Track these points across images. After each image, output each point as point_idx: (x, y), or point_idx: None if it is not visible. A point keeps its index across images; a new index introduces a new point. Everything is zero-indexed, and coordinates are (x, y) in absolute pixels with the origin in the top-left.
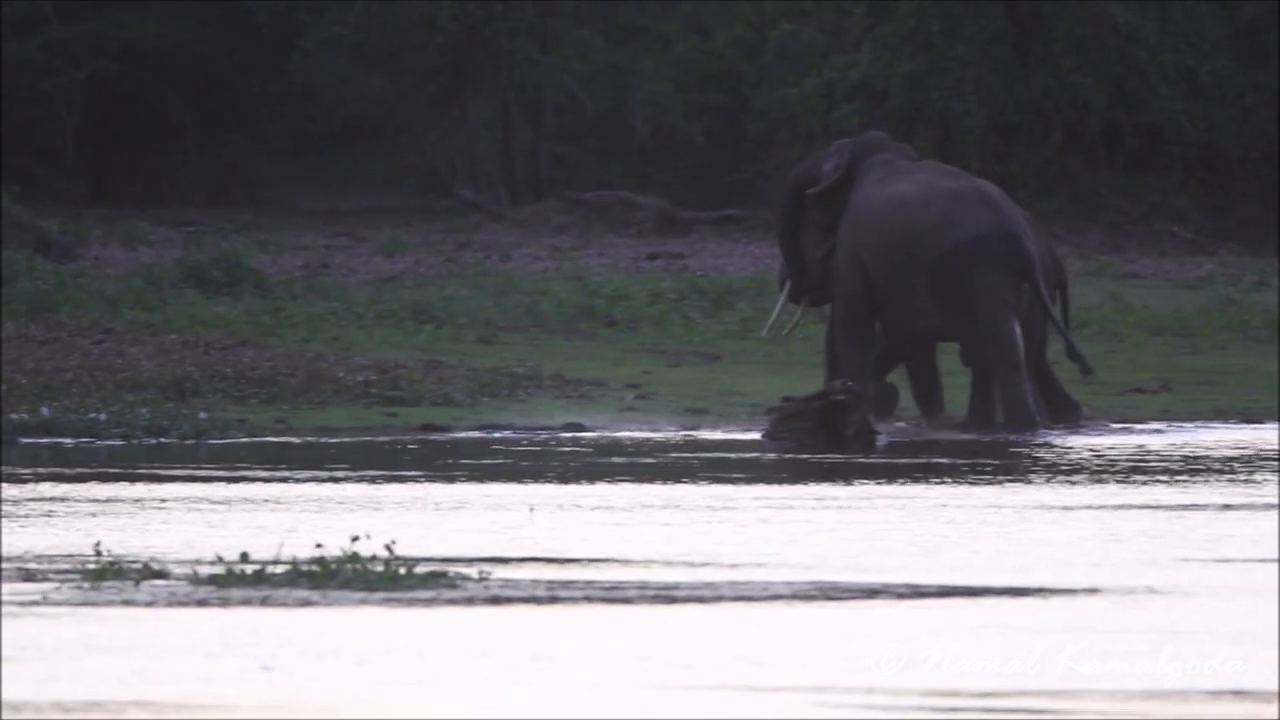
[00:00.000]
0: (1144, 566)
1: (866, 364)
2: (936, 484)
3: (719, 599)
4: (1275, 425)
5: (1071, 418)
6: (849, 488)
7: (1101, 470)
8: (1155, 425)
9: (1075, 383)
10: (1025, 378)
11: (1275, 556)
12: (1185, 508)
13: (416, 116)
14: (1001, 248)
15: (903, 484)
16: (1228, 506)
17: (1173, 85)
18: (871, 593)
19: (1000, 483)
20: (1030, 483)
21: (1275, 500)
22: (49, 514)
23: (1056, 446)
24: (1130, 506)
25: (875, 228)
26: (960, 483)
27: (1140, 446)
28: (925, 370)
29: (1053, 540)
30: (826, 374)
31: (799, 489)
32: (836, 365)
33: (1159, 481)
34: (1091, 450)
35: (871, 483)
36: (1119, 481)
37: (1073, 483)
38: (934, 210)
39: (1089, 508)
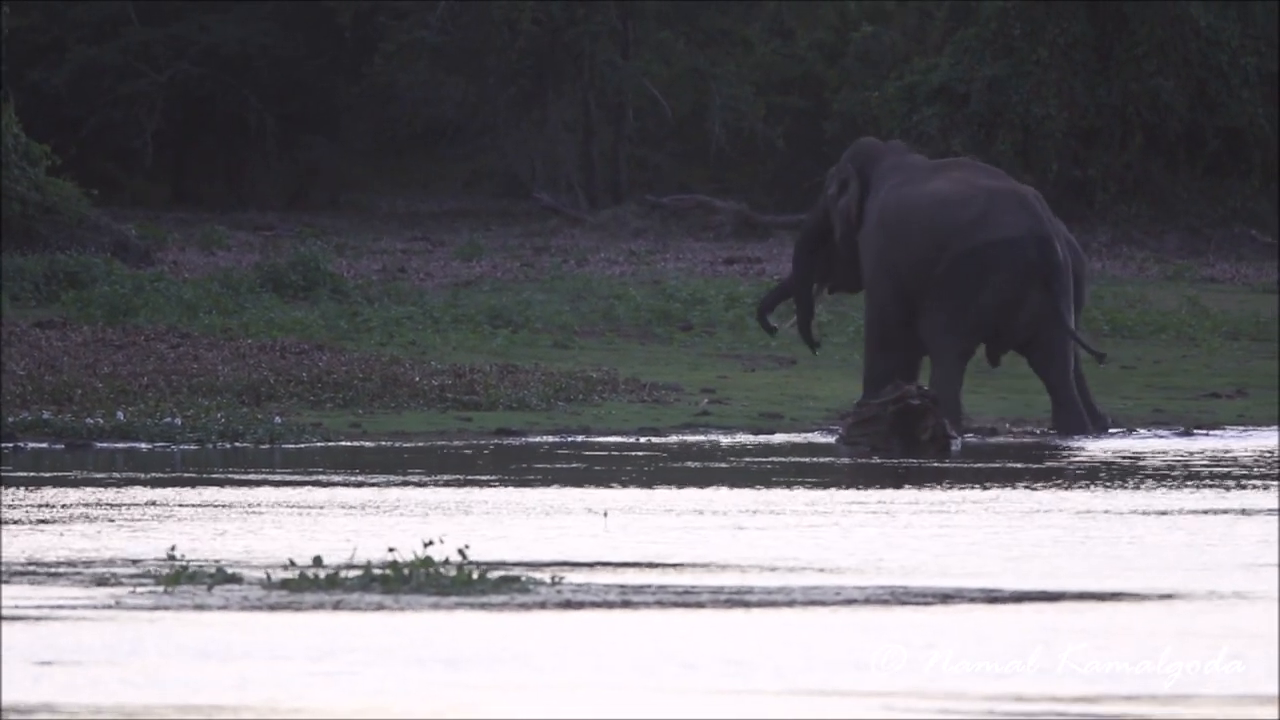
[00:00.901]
0: (1229, 570)
1: (892, 372)
2: (1013, 488)
3: (791, 603)
4: None
5: (1098, 427)
6: (923, 492)
7: (1164, 474)
8: (1203, 430)
9: (1154, 386)
10: (961, 375)
11: None
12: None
13: (497, 119)
14: (1033, 252)
15: (979, 488)
16: None
17: (1254, 88)
18: (945, 597)
19: (1080, 486)
20: (1109, 487)
21: None
22: (124, 519)
23: (1128, 452)
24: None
25: (915, 223)
26: (1034, 487)
27: (1182, 451)
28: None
29: (1134, 543)
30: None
31: (873, 493)
32: (865, 371)
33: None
34: (1156, 454)
35: (947, 487)
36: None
37: (1147, 487)
38: (973, 207)
39: (1166, 512)
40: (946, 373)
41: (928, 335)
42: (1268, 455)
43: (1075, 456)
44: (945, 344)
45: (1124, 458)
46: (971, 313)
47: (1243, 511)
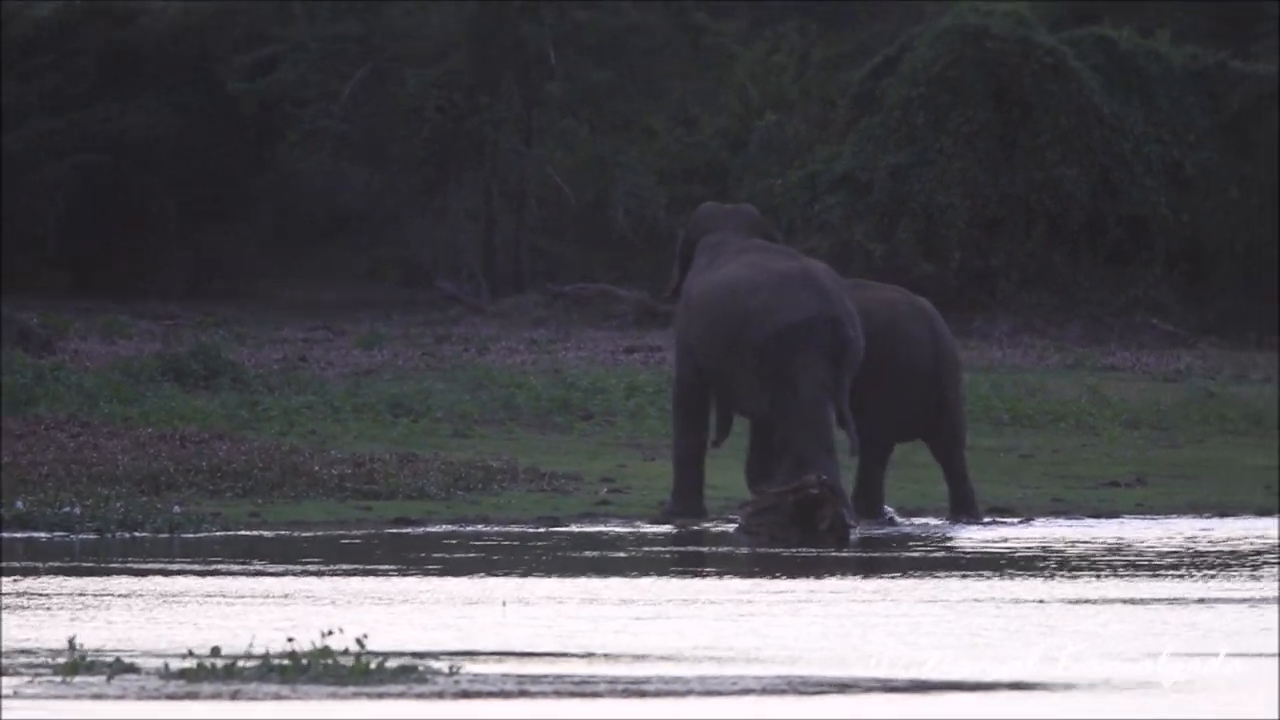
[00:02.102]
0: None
1: (700, 449)
2: (912, 578)
3: (689, 693)
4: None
5: (967, 512)
6: (822, 581)
7: (1068, 563)
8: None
9: (1053, 475)
10: (835, 462)
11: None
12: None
13: (400, 208)
14: (824, 332)
15: (877, 578)
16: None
17: (1157, 176)
18: (842, 687)
19: (976, 576)
20: (1007, 575)
21: (1256, 595)
22: (22, 608)
23: (1023, 539)
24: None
25: (707, 313)
26: (933, 576)
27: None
28: (764, 450)
29: (1027, 632)
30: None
31: (772, 583)
32: (674, 448)
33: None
34: (1064, 542)
35: (844, 576)
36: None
37: (1045, 576)
38: (761, 295)
39: (1064, 601)
40: (823, 465)
41: (780, 430)
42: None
43: (971, 545)
44: (799, 436)
45: (1011, 547)
46: (805, 400)
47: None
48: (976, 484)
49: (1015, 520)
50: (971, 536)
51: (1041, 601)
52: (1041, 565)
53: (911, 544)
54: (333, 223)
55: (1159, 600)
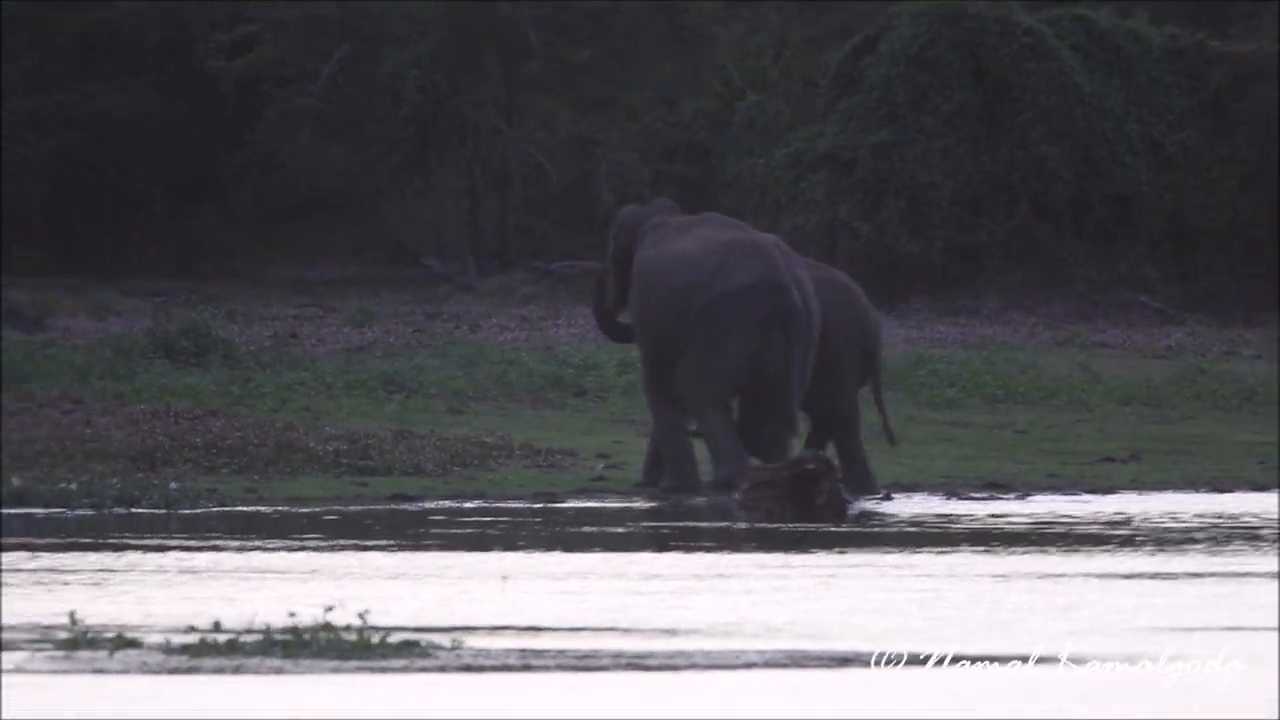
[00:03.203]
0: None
1: (679, 423)
2: (908, 552)
3: (691, 666)
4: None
5: (866, 488)
6: (819, 556)
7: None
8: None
9: (1048, 451)
10: (728, 419)
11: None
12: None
13: (381, 187)
14: (765, 299)
15: (873, 552)
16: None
17: (1139, 155)
18: (842, 661)
19: (973, 550)
20: (996, 551)
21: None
22: (21, 584)
23: (1015, 514)
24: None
25: (660, 285)
26: (930, 551)
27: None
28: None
29: (1022, 607)
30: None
31: (769, 557)
32: (652, 428)
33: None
34: (1060, 517)
35: (841, 551)
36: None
37: (1038, 551)
38: (708, 262)
39: (1063, 575)
40: (708, 424)
41: (682, 389)
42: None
43: (969, 521)
44: (699, 396)
45: (1012, 522)
46: (718, 363)
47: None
48: (974, 460)
49: (1012, 495)
50: (973, 512)
51: (1062, 576)
52: (1049, 540)
53: (914, 520)
54: (315, 201)
55: (1178, 574)
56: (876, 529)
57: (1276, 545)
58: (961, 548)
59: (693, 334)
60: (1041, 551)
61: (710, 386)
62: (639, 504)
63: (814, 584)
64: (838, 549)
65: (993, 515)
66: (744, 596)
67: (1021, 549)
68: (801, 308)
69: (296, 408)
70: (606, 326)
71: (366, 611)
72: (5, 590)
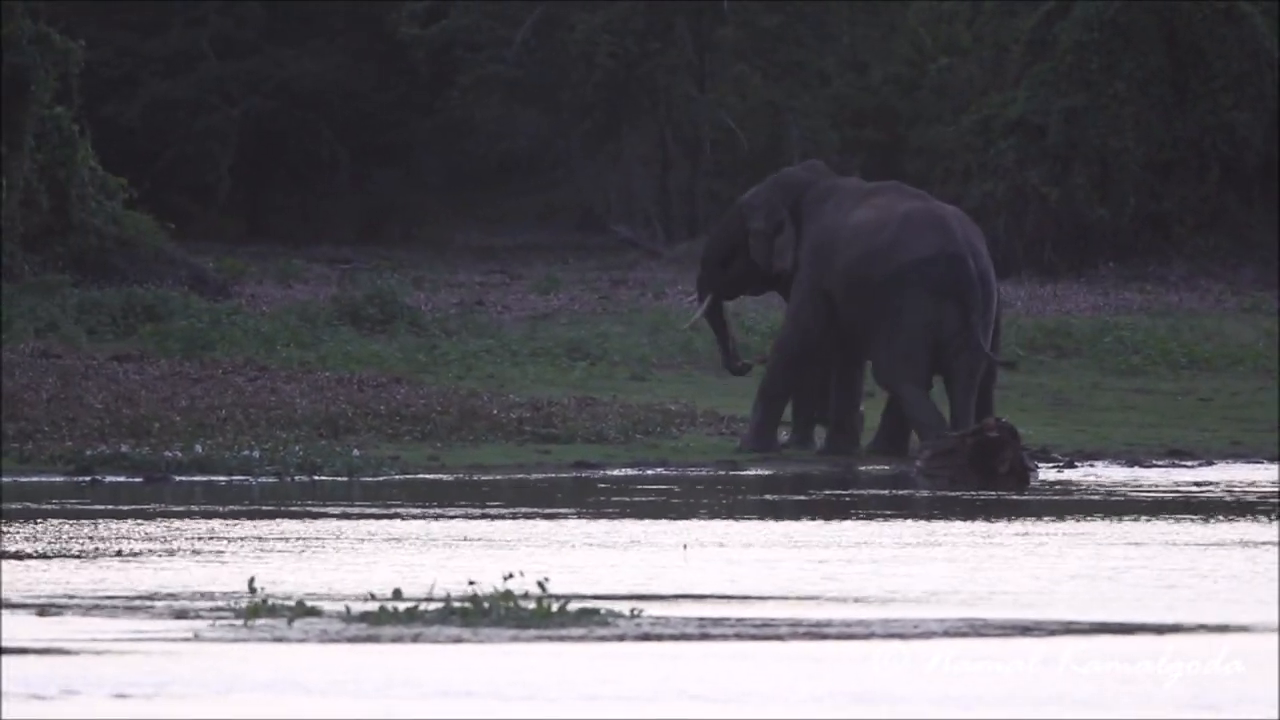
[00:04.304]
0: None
1: (791, 389)
2: (1092, 520)
3: (870, 636)
4: None
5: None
6: (1001, 524)
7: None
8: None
9: (1231, 418)
10: (927, 394)
11: None
12: None
13: (572, 153)
14: (943, 269)
15: (1057, 520)
16: None
17: None
18: (1024, 629)
19: (1161, 518)
20: (1185, 519)
21: None
22: (203, 551)
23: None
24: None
25: (841, 255)
26: (1115, 519)
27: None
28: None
29: (1206, 575)
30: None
31: (953, 525)
32: (766, 385)
33: None
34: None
35: (1025, 519)
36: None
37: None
38: (886, 233)
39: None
40: (907, 398)
41: (874, 367)
42: None
43: (1152, 489)
44: (892, 372)
45: (1201, 489)
46: (901, 336)
47: None
48: (1157, 428)
49: (1195, 463)
50: (1156, 481)
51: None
52: (1240, 508)
53: (1094, 488)
54: (504, 168)
55: None
56: (1057, 498)
57: None
58: (1150, 516)
59: (873, 307)
60: (1235, 519)
61: (898, 361)
62: (820, 471)
63: (994, 551)
64: (1019, 517)
65: (1175, 483)
66: (922, 564)
67: (1215, 517)
68: (977, 278)
69: (481, 375)
70: (715, 285)
71: (546, 580)
72: (186, 558)
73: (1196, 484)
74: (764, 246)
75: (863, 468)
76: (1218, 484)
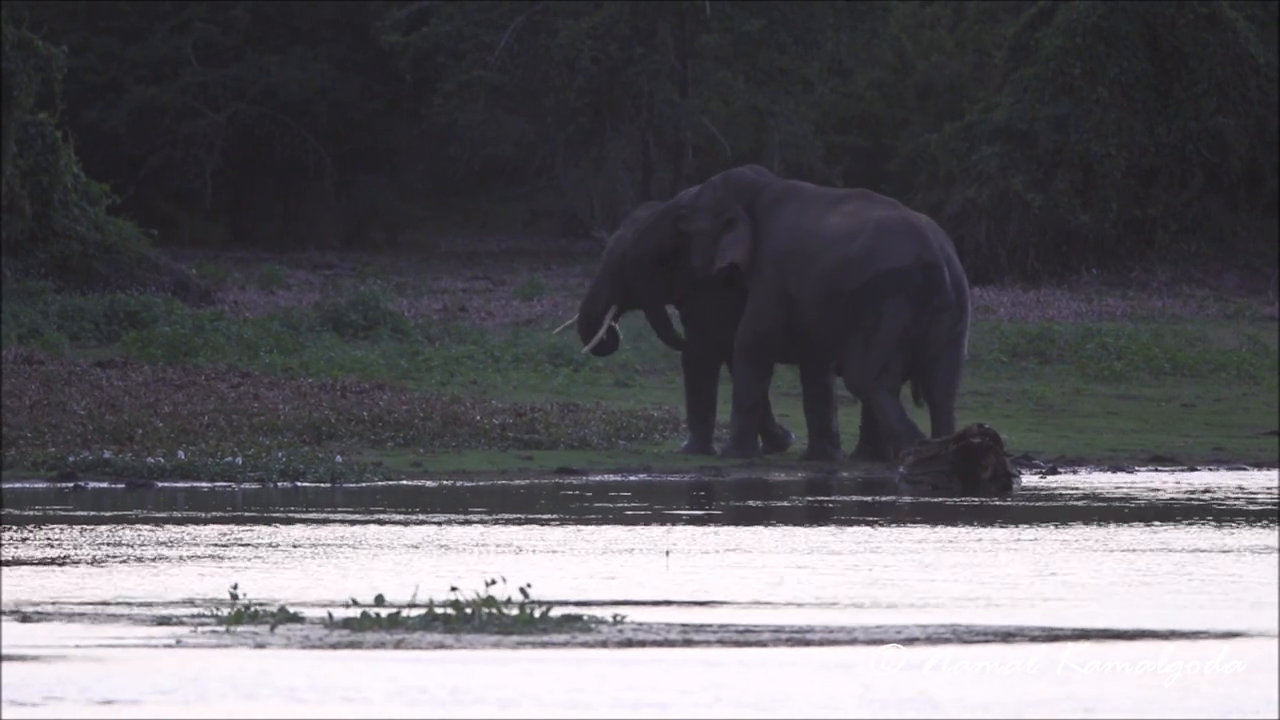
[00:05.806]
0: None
1: (765, 394)
2: (1072, 526)
3: (853, 641)
4: None
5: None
6: (983, 529)
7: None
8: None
9: (1214, 424)
10: (898, 402)
11: None
12: None
13: (556, 158)
14: (920, 278)
15: (1038, 526)
16: None
17: None
18: (1006, 636)
19: (1137, 523)
20: (1162, 525)
21: None
22: (185, 557)
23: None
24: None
25: (814, 263)
26: (1095, 524)
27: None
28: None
29: (1192, 581)
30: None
31: (935, 531)
32: (739, 397)
33: None
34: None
35: (1006, 525)
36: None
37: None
38: (860, 242)
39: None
40: (881, 406)
41: (847, 375)
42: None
43: (1134, 494)
44: (864, 380)
45: (1186, 494)
46: (875, 345)
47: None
48: (1140, 433)
49: (1178, 469)
50: (1135, 485)
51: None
52: (1222, 514)
53: (1065, 493)
54: (488, 174)
55: None
56: (1039, 503)
57: None
58: (1128, 523)
59: (848, 316)
60: (1213, 526)
61: (873, 369)
62: (802, 477)
63: (976, 557)
64: (1001, 522)
65: (1151, 489)
66: (904, 570)
67: (1188, 522)
68: (952, 286)
69: (464, 381)
70: (644, 289)
71: (529, 586)
72: (168, 564)
73: (1189, 491)
74: (707, 248)
75: (846, 474)
76: (1207, 490)
